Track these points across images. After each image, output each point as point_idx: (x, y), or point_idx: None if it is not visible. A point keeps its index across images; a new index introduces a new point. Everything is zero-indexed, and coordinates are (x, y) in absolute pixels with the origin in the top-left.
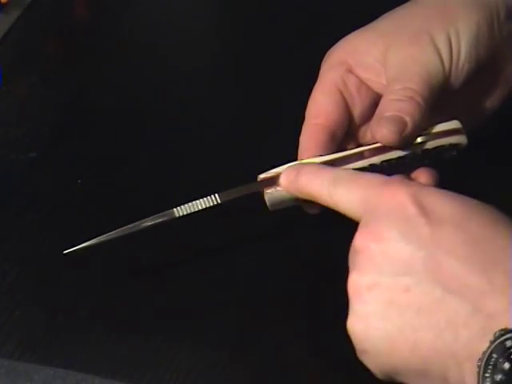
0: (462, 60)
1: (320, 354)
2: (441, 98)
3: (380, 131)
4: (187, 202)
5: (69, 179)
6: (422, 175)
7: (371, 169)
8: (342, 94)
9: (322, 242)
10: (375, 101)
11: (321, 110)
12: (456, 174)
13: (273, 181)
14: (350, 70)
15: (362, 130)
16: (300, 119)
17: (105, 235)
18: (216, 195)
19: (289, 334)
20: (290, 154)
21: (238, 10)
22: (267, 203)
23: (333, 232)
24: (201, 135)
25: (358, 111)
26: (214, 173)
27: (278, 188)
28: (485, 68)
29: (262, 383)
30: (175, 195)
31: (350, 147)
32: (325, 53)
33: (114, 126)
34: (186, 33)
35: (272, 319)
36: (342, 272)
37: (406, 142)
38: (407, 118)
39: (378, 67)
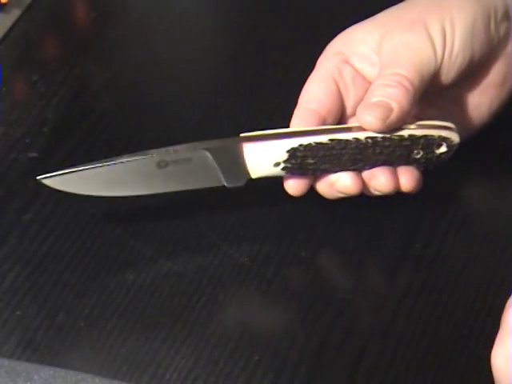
0: (456, 52)
1: (320, 353)
2: (434, 93)
3: (363, 117)
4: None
5: None
6: (405, 176)
7: (355, 143)
8: (336, 83)
9: (323, 242)
10: None
11: (313, 96)
12: (453, 186)
13: (254, 138)
14: (345, 61)
15: (355, 120)
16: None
17: (81, 165)
18: (195, 143)
19: (289, 334)
20: None
21: (237, 8)
22: (246, 162)
23: (333, 232)
24: (201, 134)
25: (351, 101)
26: None
27: (258, 144)
28: (481, 67)
29: (262, 383)
30: (175, 194)
31: None
32: (323, 50)
33: (113, 126)
34: (186, 32)
35: (272, 319)
36: (342, 272)
37: (389, 128)
38: (393, 104)
39: (373, 57)
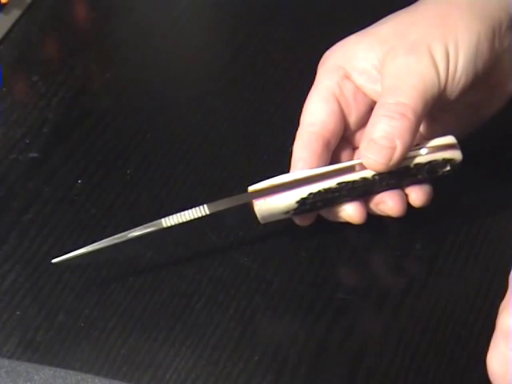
0: (459, 74)
1: (320, 353)
2: (433, 109)
3: (367, 160)
4: (176, 212)
5: (69, 179)
6: (415, 191)
7: (362, 182)
8: (338, 101)
9: (323, 242)
10: (371, 107)
11: (316, 118)
12: (453, 187)
13: (262, 192)
14: (346, 76)
15: (358, 134)
16: (293, 128)
17: (92, 245)
18: (204, 206)
19: (289, 334)
20: (283, 162)
21: (237, 8)
22: (257, 215)
23: (333, 232)
24: (201, 134)
25: (353, 118)
26: (220, 166)
27: (268, 199)
28: (482, 79)
29: (262, 383)
30: (175, 195)
31: (344, 152)
32: (321, 54)
33: (113, 127)
34: (186, 32)
35: (272, 319)
36: (341, 272)
37: (394, 168)
38: (397, 142)
39: (374, 75)
